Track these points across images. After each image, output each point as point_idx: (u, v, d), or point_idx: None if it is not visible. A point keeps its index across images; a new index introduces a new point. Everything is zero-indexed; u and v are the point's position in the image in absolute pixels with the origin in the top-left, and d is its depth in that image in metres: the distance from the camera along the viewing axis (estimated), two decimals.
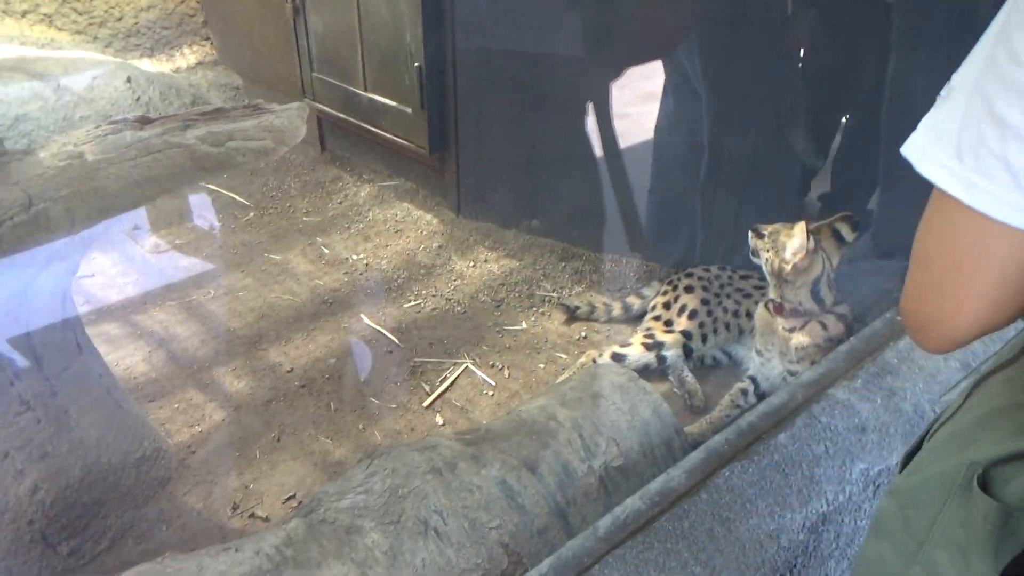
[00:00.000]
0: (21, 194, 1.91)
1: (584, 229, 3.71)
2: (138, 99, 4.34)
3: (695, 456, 1.86)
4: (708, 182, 3.36)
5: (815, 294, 2.57)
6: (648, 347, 2.85)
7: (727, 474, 1.78)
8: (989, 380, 1.02)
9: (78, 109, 4.11)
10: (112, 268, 3.89)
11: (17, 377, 2.14)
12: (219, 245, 4.05)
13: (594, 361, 2.84)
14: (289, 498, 2.54)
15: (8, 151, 2.01)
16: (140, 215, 4.35)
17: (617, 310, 3.22)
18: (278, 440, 2.77)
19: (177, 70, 5.34)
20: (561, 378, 2.83)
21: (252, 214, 4.29)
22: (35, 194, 1.91)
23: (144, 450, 2.57)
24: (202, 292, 3.67)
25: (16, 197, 1.91)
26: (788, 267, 2.51)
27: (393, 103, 3.90)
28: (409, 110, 3.82)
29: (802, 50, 3.44)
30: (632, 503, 1.74)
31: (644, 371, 2.84)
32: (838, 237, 2.59)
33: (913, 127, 0.83)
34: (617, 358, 2.84)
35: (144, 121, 2.01)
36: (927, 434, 1.08)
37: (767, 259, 2.60)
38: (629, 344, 2.89)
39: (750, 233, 2.68)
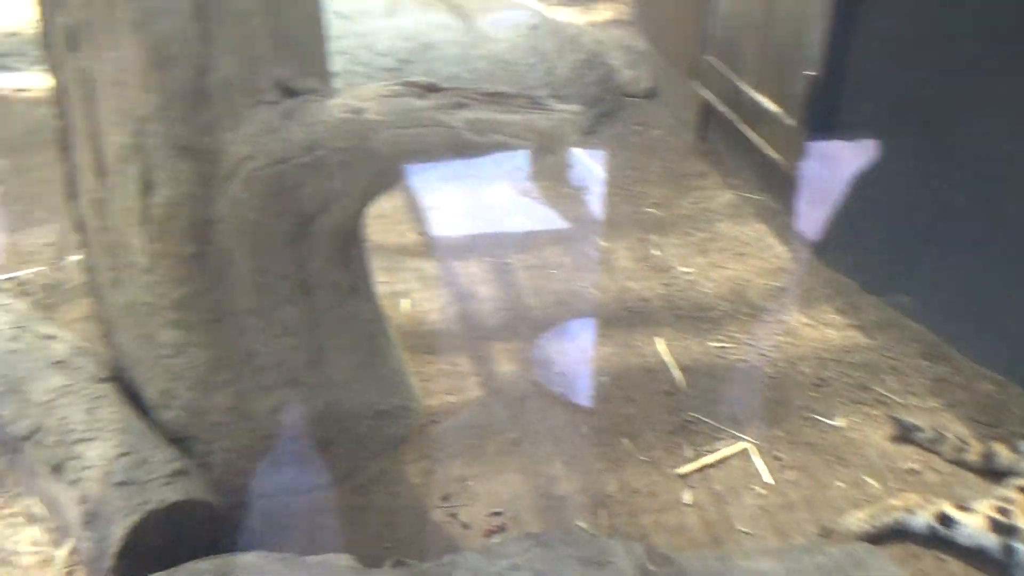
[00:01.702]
0: (305, 137, 1.85)
1: (972, 327, 2.82)
2: (534, 47, 4.31)
3: None
4: None
5: None
6: (996, 527, 2.04)
7: None
8: None
9: (476, 48, 4.20)
10: (460, 201, 3.98)
11: (287, 302, 2.17)
12: (555, 214, 3.92)
13: (907, 512, 2.12)
14: (495, 513, 2.31)
15: (315, 90, 1.96)
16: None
17: (974, 453, 2.39)
18: (516, 444, 2.56)
19: (589, 24, 5.26)
20: (815, 539, 2.17)
21: (600, 188, 4.07)
22: (317, 139, 1.83)
23: (389, 405, 2.52)
24: (520, 257, 3.57)
25: (301, 139, 1.86)
26: None
27: (775, 108, 3.33)
28: (790, 121, 3.22)
29: None
30: None
31: (974, 557, 2.06)
32: None
33: None
34: (945, 522, 2.09)
35: (429, 89, 1.83)
36: None
37: None
38: (970, 509, 2.10)
39: None
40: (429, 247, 3.66)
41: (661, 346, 2.98)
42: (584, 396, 2.76)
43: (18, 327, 2.42)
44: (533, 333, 3.10)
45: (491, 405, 2.73)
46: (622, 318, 3.16)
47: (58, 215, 3.69)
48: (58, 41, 1.99)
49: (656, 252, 3.58)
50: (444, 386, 2.81)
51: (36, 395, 2.18)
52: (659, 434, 2.57)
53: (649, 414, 2.66)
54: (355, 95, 1.89)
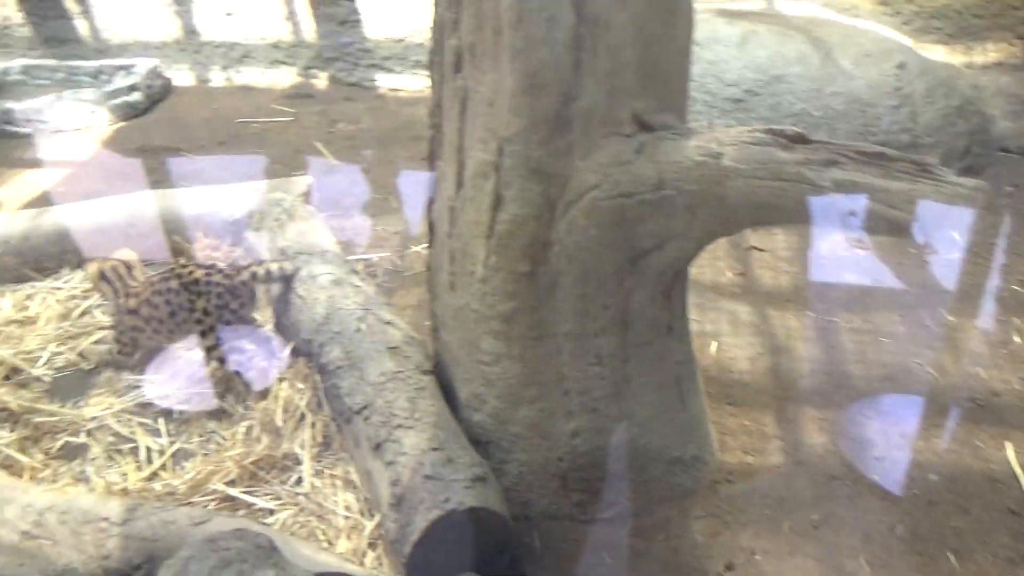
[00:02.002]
0: (655, 174, 1.80)
1: None
2: (898, 88, 3.90)
3: None
4: None
5: None
6: None
7: None
8: None
9: (831, 84, 3.90)
10: (784, 242, 3.74)
11: (603, 332, 2.17)
12: (893, 273, 3.51)
13: None
14: None
15: (677, 128, 1.91)
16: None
17: None
18: (816, 527, 2.32)
19: (968, 65, 4.66)
20: None
21: (954, 252, 3.57)
22: (667, 178, 1.78)
23: (685, 452, 2.42)
24: (846, 316, 3.25)
25: (650, 175, 1.82)
26: None
27: None
28: None
29: None
30: None
31: None
32: None
33: None
34: None
35: (797, 140, 1.67)
36: None
37: None
38: None
39: None
40: (746, 289, 3.47)
41: (1011, 453, 2.52)
42: (905, 492, 2.42)
43: (365, 309, 2.69)
44: (851, 405, 2.80)
45: (793, 476, 2.51)
46: (964, 410, 2.73)
47: (409, 207, 4.10)
48: (444, 60, 2.16)
49: (1018, 339, 3.05)
50: (743, 443, 2.64)
51: (371, 375, 2.41)
52: (997, 561, 2.17)
53: (986, 532, 2.26)
54: (714, 137, 1.80)
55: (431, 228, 2.48)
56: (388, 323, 2.65)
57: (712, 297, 3.40)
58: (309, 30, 5.87)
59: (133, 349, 2.97)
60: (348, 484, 2.42)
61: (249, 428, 2.60)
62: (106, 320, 3.23)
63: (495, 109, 1.99)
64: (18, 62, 6.15)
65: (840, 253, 3.73)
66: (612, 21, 1.85)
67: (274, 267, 2.90)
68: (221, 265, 2.90)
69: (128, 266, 3.01)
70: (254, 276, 2.85)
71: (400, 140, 5.02)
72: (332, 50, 5.87)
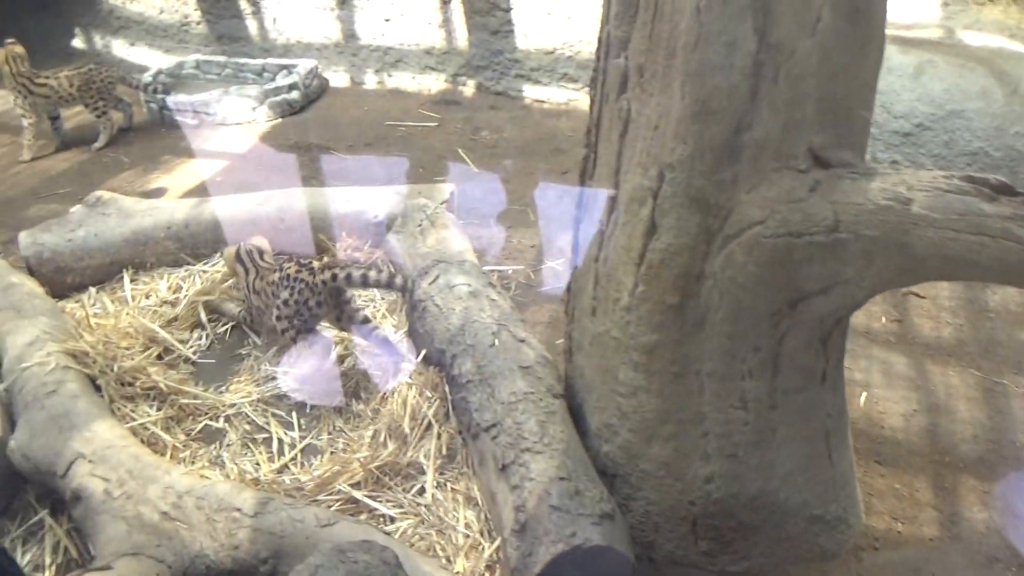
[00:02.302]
0: (831, 214, 1.66)
1: None
2: None
3: None
4: None
5: None
6: None
7: None
8: None
9: (1018, 123, 3.57)
10: (950, 292, 3.45)
11: (750, 375, 2.03)
12: None
13: None
14: None
15: (857, 166, 1.76)
16: None
17: None
18: None
19: None
20: None
21: None
22: (844, 221, 1.64)
23: (826, 512, 2.24)
24: (1018, 379, 2.95)
25: (825, 215, 1.68)
26: None
27: None
28: None
29: None
30: None
31: None
32: None
33: None
34: None
35: (1001, 191, 1.48)
36: None
37: None
38: None
39: None
40: (901, 338, 3.22)
41: None
42: None
43: (500, 324, 2.66)
44: (1018, 479, 2.52)
45: (948, 553, 2.28)
46: None
47: (546, 221, 4.06)
48: (608, 79, 2.10)
49: None
50: (892, 508, 2.43)
51: (502, 393, 2.37)
52: None
53: None
54: (902, 180, 1.65)
55: (575, 249, 2.42)
56: (522, 341, 2.61)
57: (863, 343, 3.17)
58: (461, 38, 5.96)
59: (258, 326, 3.18)
60: (470, 501, 2.39)
61: (376, 432, 2.62)
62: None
63: (659, 133, 1.91)
64: (192, 57, 6.57)
65: (1012, 308, 3.40)
66: (797, 48, 1.73)
67: (356, 273, 2.94)
68: (315, 264, 2.99)
69: (260, 251, 3.21)
70: (334, 278, 2.90)
71: (541, 152, 5.00)
72: (482, 58, 5.94)
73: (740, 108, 1.77)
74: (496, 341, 2.58)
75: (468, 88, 6.09)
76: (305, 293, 2.89)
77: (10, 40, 5.14)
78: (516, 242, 3.95)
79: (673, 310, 2.02)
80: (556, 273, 3.63)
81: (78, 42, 7.32)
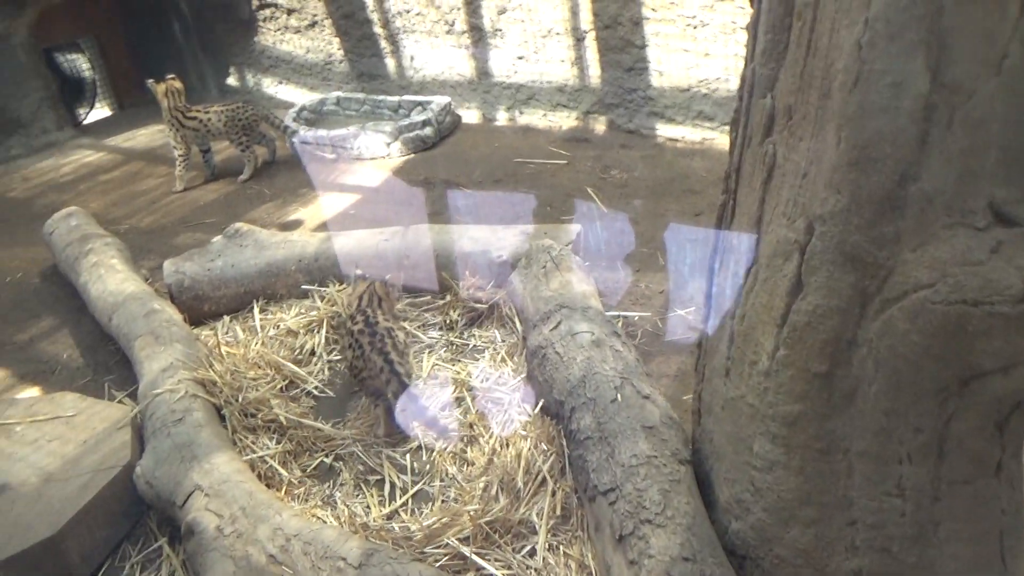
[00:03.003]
0: (1017, 281, 1.42)
1: None
2: None
3: None
4: None
5: None
6: None
7: None
8: None
9: None
10: None
11: (910, 459, 1.78)
12: None
13: None
14: None
15: None
16: None
17: None
18: None
19: None
20: None
21: None
22: None
23: None
24: None
25: (1010, 282, 1.44)
26: None
27: None
28: None
29: None
30: None
31: None
32: None
33: None
34: None
35: None
36: None
37: None
38: None
39: None
40: None
41: None
42: None
43: (623, 377, 2.50)
44: None
45: None
46: None
47: (677, 266, 3.86)
48: (751, 120, 1.92)
49: None
50: None
51: (622, 454, 2.20)
52: None
53: None
54: None
55: (708, 301, 2.23)
56: (646, 397, 2.43)
57: None
58: (594, 75, 5.88)
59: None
60: (583, 569, 2.23)
61: (488, 484, 2.51)
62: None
63: (809, 182, 1.71)
64: (334, 94, 6.83)
65: None
66: (977, 89, 1.50)
67: (400, 335, 2.99)
68: (378, 317, 3.02)
69: (380, 299, 3.19)
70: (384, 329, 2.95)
71: (673, 192, 4.81)
72: (614, 96, 5.83)
73: (906, 156, 1.56)
74: (619, 396, 2.42)
75: (599, 126, 5.99)
76: (365, 335, 2.94)
77: (171, 76, 5.51)
78: (644, 287, 3.77)
79: (819, 379, 1.80)
80: (685, 322, 3.42)
81: (232, 79, 7.79)
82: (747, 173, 1.98)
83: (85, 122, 7.91)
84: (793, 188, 1.77)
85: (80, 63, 7.99)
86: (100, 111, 8.23)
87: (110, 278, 3.77)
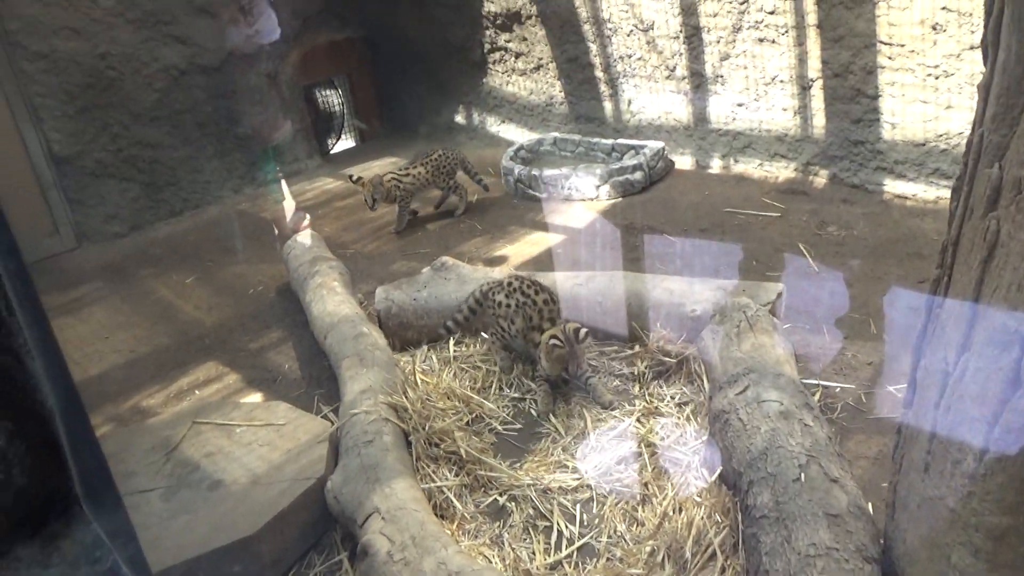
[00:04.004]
0: None
1: None
2: None
3: None
4: None
5: None
6: None
7: None
8: None
9: None
10: None
11: None
12: None
13: None
14: None
15: None
16: None
17: None
18: None
19: None
20: None
21: None
22: None
23: None
24: None
25: None
26: None
27: None
28: None
29: None
30: None
31: None
32: None
33: None
34: None
35: None
36: None
37: None
38: None
39: None
40: None
41: None
42: None
43: (810, 455, 2.32)
44: None
45: None
46: None
47: (892, 336, 3.53)
48: (974, 190, 1.73)
49: None
50: None
51: (800, 541, 2.04)
52: None
53: None
54: None
55: (912, 384, 2.02)
56: (834, 480, 2.24)
57: None
58: (818, 125, 5.58)
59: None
60: None
61: (655, 549, 2.42)
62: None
63: None
64: (551, 135, 7.04)
65: None
66: None
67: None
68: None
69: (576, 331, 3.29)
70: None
71: (896, 255, 4.42)
72: (839, 147, 5.49)
73: None
74: (802, 475, 2.24)
75: (819, 179, 5.66)
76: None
77: (356, 178, 5.87)
78: (851, 356, 3.49)
79: None
80: (895, 400, 3.11)
81: (460, 117, 8.28)
82: (965, 248, 1.77)
83: (332, 151, 8.79)
84: (1018, 272, 1.56)
85: (332, 98, 8.90)
86: (345, 142, 9.10)
87: (329, 299, 4.12)
